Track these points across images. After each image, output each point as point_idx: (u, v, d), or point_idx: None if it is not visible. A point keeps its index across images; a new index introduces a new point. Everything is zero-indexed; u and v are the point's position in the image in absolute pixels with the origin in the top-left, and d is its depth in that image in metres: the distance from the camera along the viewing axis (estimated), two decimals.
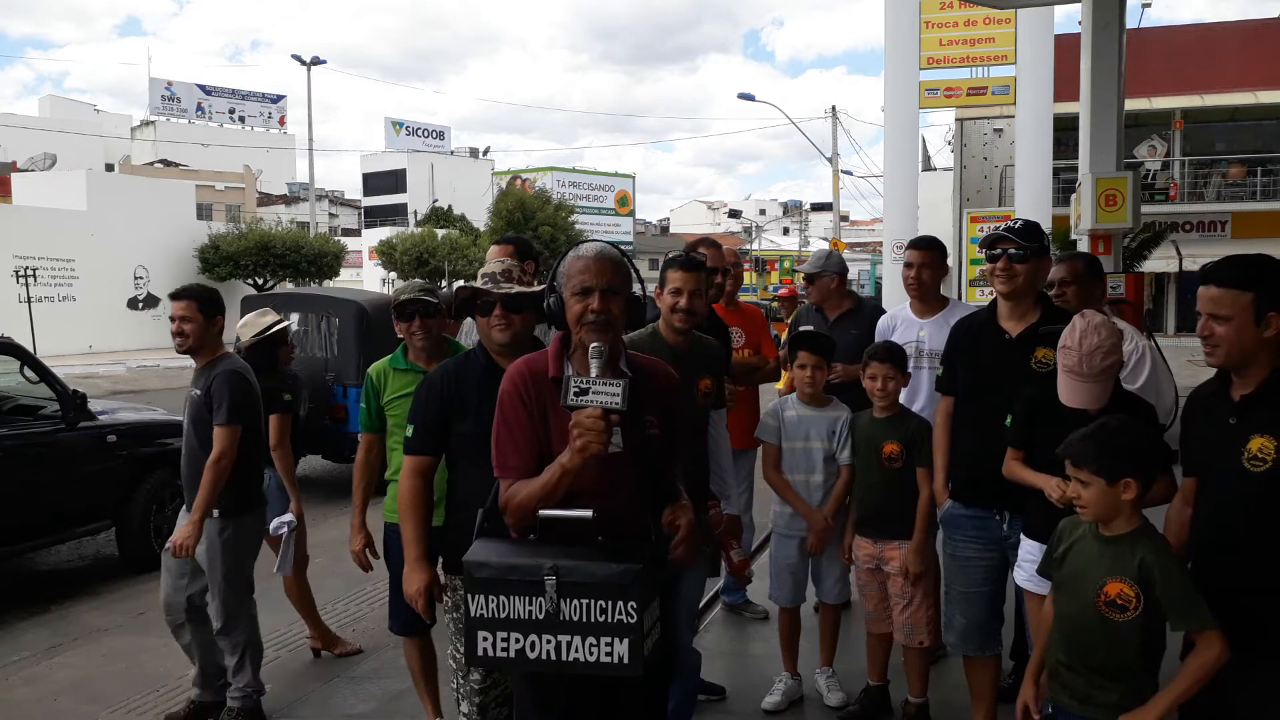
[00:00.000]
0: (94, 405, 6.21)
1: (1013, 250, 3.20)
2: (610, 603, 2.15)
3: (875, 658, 3.97)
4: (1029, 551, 3.04)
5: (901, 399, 3.99)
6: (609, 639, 2.15)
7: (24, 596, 5.86)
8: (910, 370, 4.08)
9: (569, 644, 2.16)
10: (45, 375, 5.98)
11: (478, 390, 2.84)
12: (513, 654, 2.16)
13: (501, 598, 2.15)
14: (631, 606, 2.15)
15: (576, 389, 2.14)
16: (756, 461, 4.63)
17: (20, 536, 5.74)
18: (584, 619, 2.15)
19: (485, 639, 2.16)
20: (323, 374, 8.41)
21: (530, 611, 2.15)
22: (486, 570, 2.18)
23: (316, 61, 34.09)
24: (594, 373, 2.20)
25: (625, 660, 2.15)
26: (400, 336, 3.68)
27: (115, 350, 26.11)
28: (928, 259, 4.29)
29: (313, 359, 8.60)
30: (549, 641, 2.16)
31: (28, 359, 5.91)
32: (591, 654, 2.15)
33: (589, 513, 2.22)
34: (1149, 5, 33.91)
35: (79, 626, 5.35)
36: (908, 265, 4.33)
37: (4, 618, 5.47)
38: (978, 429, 3.33)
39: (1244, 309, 2.26)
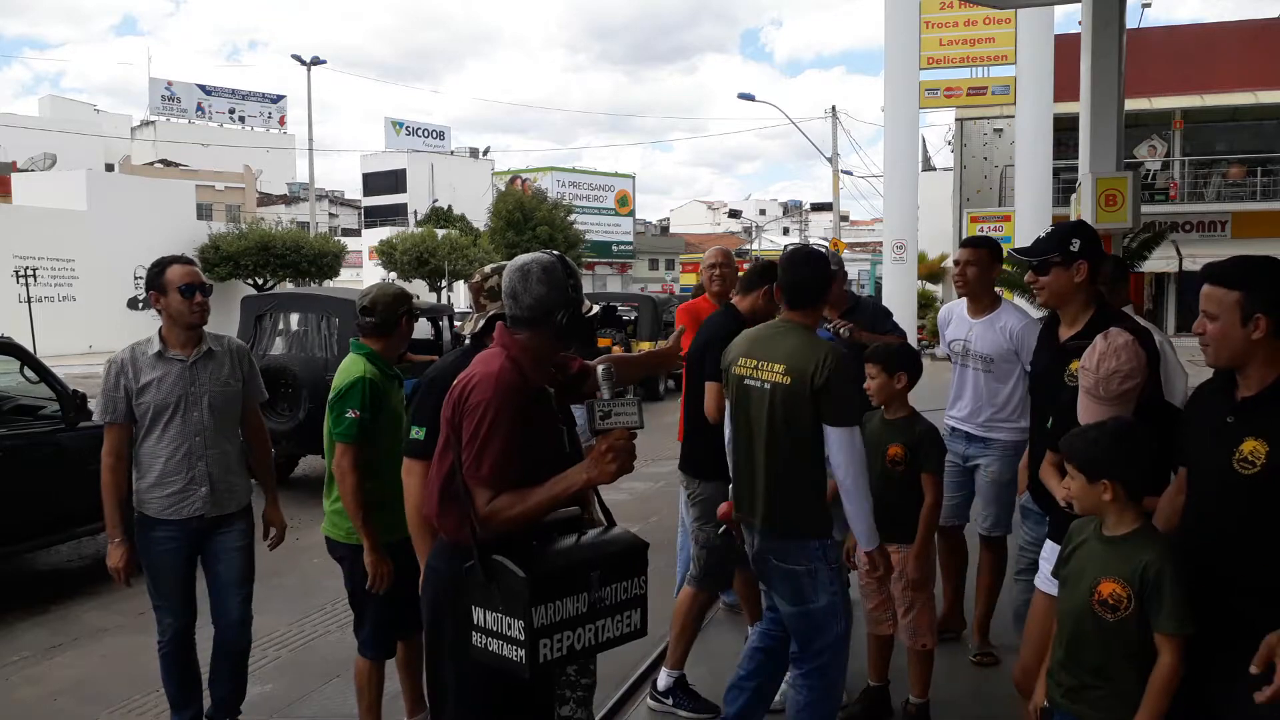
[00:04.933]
0: (94, 406, 6.20)
1: (1035, 262, 3.19)
2: (631, 580, 2.37)
3: (876, 658, 3.97)
4: (1048, 555, 3.04)
5: (950, 397, 4.03)
6: (628, 612, 2.37)
7: (24, 596, 5.86)
8: (957, 367, 4.35)
9: (603, 627, 2.33)
10: (45, 375, 5.98)
11: None
12: (565, 651, 2.26)
13: (556, 603, 2.23)
14: (642, 580, 2.39)
15: (601, 413, 2.29)
16: None
17: (21, 536, 5.73)
18: (615, 601, 2.34)
19: (545, 645, 2.23)
20: (323, 374, 8.41)
21: (577, 608, 2.27)
22: (549, 583, 2.23)
23: (316, 61, 34.09)
24: (606, 394, 2.33)
25: (639, 627, 2.39)
26: (384, 341, 3.64)
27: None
28: (974, 257, 4.38)
29: (313, 359, 8.61)
30: (590, 630, 2.30)
31: (28, 359, 5.92)
32: (618, 630, 2.35)
33: (576, 509, 2.42)
34: (1149, 5, 33.95)
35: (79, 626, 5.35)
36: (955, 263, 4.47)
37: (4, 618, 5.47)
38: (1036, 430, 3.39)
39: (1230, 308, 2.25)
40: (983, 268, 4.37)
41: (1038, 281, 3.19)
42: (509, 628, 2.22)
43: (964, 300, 4.55)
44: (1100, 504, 2.39)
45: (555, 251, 2.57)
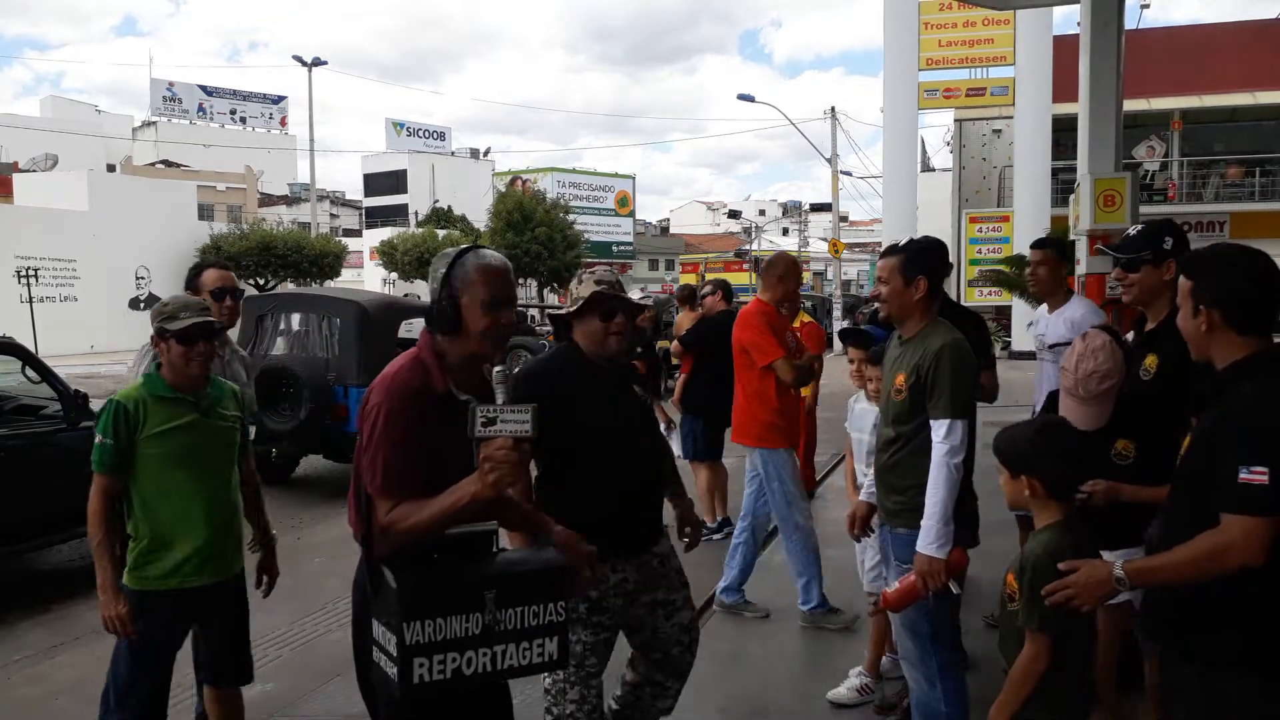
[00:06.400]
0: (95, 405, 6.22)
1: (1126, 259, 3.17)
2: (543, 605, 2.18)
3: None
4: None
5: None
6: (540, 640, 2.17)
7: (24, 596, 5.87)
8: (1038, 360, 4.66)
9: (504, 653, 2.13)
10: (47, 375, 5.99)
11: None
12: (449, 675, 2.08)
13: (439, 621, 2.06)
14: (560, 606, 2.20)
15: (484, 419, 2.02)
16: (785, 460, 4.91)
17: (22, 536, 5.75)
18: (519, 626, 2.15)
19: (422, 665, 2.05)
20: (324, 374, 8.43)
21: (467, 629, 2.09)
22: (426, 597, 2.07)
23: (317, 62, 34.08)
24: (500, 399, 2.08)
25: (555, 657, 2.20)
26: (163, 358, 3.12)
27: (117, 350, 26.08)
28: (1041, 257, 4.68)
29: (314, 359, 8.62)
30: (485, 655, 2.11)
31: (29, 359, 5.93)
32: (524, 658, 2.16)
33: (494, 524, 2.25)
34: (1147, 6, 33.94)
35: (79, 626, 5.36)
36: (1027, 264, 4.83)
37: (4, 618, 5.48)
38: None
39: (1186, 296, 2.14)
40: (1051, 267, 4.62)
41: (1125, 279, 3.18)
42: (389, 642, 2.08)
43: None
44: (1023, 500, 2.43)
45: (472, 244, 2.44)
